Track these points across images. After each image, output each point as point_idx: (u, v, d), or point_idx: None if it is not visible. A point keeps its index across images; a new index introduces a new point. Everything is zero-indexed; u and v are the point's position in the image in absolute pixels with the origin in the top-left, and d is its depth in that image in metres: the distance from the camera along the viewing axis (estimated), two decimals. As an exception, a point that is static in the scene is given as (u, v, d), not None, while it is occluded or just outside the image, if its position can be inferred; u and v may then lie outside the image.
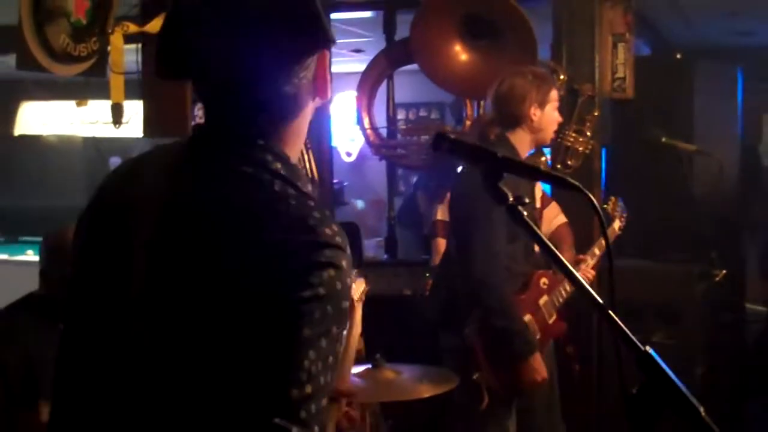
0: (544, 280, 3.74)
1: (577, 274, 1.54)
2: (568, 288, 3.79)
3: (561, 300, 3.74)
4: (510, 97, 3.64)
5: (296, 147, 1.53)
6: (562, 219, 4.26)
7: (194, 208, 1.38)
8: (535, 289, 3.69)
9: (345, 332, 1.36)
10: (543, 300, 3.70)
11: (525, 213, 1.53)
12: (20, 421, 2.80)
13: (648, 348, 1.47)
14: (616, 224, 4.21)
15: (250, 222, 1.33)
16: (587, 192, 1.51)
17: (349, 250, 1.37)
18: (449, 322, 3.70)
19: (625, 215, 4.25)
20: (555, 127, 3.77)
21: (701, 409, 1.42)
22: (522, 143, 3.66)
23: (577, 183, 1.54)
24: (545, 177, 1.55)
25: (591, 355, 4.61)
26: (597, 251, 3.98)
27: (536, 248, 3.83)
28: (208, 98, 1.49)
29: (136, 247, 1.41)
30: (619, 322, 1.49)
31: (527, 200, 1.52)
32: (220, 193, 1.37)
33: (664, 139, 4.81)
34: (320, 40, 1.47)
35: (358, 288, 2.50)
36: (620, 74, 5.07)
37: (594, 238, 4.21)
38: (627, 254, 5.37)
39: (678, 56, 5.74)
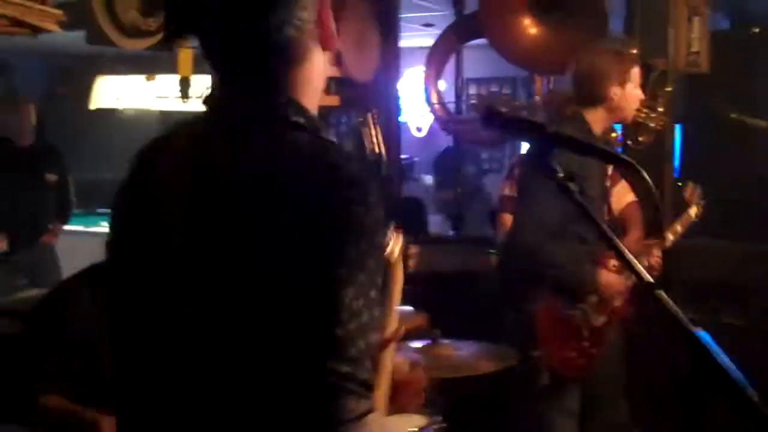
0: (613, 262, 3.68)
1: (628, 254, 1.50)
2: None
3: (630, 282, 3.67)
4: (590, 76, 3.57)
5: (311, 96, 1.51)
6: (631, 197, 4.18)
7: (227, 178, 1.39)
8: (605, 269, 3.63)
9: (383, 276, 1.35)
10: (612, 263, 3.64)
11: (576, 190, 1.50)
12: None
13: (699, 329, 1.43)
14: (693, 210, 4.10)
15: (282, 178, 1.35)
16: (640, 169, 1.48)
17: (374, 186, 1.37)
18: (513, 299, 3.67)
19: (702, 202, 4.15)
20: (636, 105, 3.66)
21: (755, 397, 1.37)
22: (597, 121, 3.57)
23: (630, 160, 1.51)
24: (597, 153, 1.51)
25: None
26: (671, 237, 3.90)
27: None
28: (217, 56, 1.49)
29: (175, 218, 1.43)
30: (670, 301, 1.45)
31: (575, 178, 1.49)
32: (251, 158, 1.38)
33: (734, 115, 4.67)
34: None
35: (396, 245, 2.47)
36: (695, 48, 4.94)
37: (665, 212, 4.12)
38: (700, 233, 5.26)
39: (756, 30, 5.56)
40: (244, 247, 1.35)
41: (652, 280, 1.47)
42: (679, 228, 3.97)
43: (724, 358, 1.41)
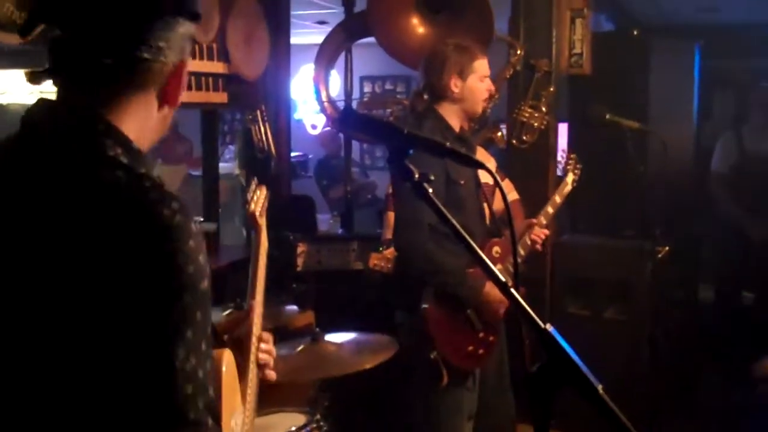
0: (496, 248, 3.74)
1: (484, 257, 1.54)
2: (522, 253, 3.81)
3: (512, 268, 3.74)
4: (431, 67, 3.63)
5: (144, 129, 1.44)
6: (514, 195, 4.26)
7: (29, 220, 1.30)
8: (488, 258, 3.68)
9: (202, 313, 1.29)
10: (496, 269, 3.68)
11: (431, 190, 1.52)
12: None
13: (548, 326, 1.47)
14: (570, 177, 4.17)
15: (90, 225, 1.26)
16: (490, 170, 1.51)
17: (193, 224, 1.32)
18: (404, 299, 3.69)
19: (579, 167, 4.22)
20: (482, 98, 3.67)
21: (599, 387, 1.42)
22: (450, 114, 3.62)
23: (482, 163, 1.54)
24: (450, 154, 1.53)
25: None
26: (550, 210, 3.98)
27: (487, 219, 3.84)
28: (56, 63, 1.41)
29: None
30: (521, 300, 1.49)
31: (432, 177, 1.51)
32: (55, 199, 1.30)
33: (608, 116, 4.81)
34: (169, 4, 1.42)
35: (260, 199, 2.46)
36: (577, 50, 5.07)
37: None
38: (580, 230, 5.42)
39: (635, 32, 5.73)
40: (49, 303, 1.25)
41: (504, 280, 1.51)
42: (558, 198, 4.05)
43: (571, 352, 1.45)
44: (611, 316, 4.98)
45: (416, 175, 1.52)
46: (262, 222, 2.43)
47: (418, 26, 4.78)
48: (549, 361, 1.46)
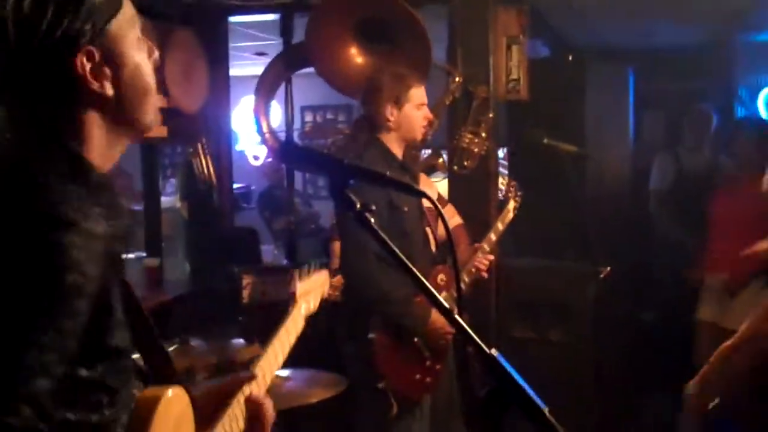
0: (441, 276, 3.77)
1: (429, 286, 1.55)
2: (467, 280, 3.83)
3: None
4: (368, 97, 3.67)
5: (96, 140, 1.46)
6: (457, 221, 4.29)
7: None
8: (433, 286, 3.69)
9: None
10: (442, 296, 3.70)
11: (372, 220, 1.53)
12: None
13: (494, 351, 1.49)
14: (511, 205, 4.22)
15: None
16: (432, 199, 1.53)
17: (86, 224, 1.33)
18: (351, 329, 3.69)
19: (520, 194, 4.26)
20: (420, 125, 3.70)
21: (545, 410, 1.44)
22: (392, 142, 3.66)
23: (424, 192, 1.55)
24: (391, 183, 1.55)
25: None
26: (493, 237, 4.02)
27: (433, 245, 3.86)
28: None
29: None
30: (466, 327, 1.50)
31: (374, 207, 1.52)
32: None
33: (545, 141, 4.88)
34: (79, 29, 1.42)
35: (311, 282, 2.43)
36: (514, 76, 5.13)
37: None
38: (522, 253, 5.47)
39: (570, 58, 5.84)
40: None
41: (448, 307, 1.52)
42: (500, 225, 4.10)
43: (517, 377, 1.47)
44: (555, 338, 5.03)
45: (358, 206, 1.52)
46: (300, 302, 2.39)
47: (356, 56, 4.81)
48: (496, 386, 1.47)
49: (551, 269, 5.18)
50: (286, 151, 1.55)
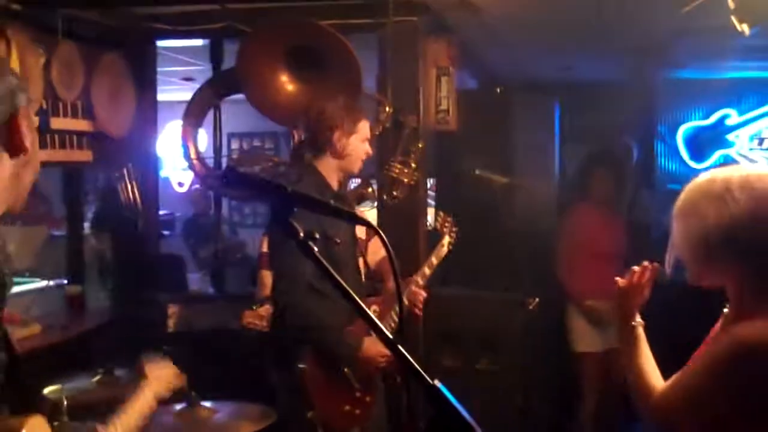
0: (374, 307, 3.76)
1: (371, 313, 1.54)
2: (398, 311, 3.82)
3: (393, 326, 3.75)
4: (316, 122, 3.66)
5: None
6: (383, 253, 4.28)
7: None
8: None
9: None
10: None
11: (316, 248, 1.52)
12: None
13: (436, 381, 1.48)
14: (446, 240, 4.24)
15: None
16: (376, 228, 1.53)
17: None
18: (281, 358, 3.65)
19: (455, 230, 4.30)
20: (361, 158, 3.73)
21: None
22: (329, 171, 3.66)
23: (368, 221, 1.55)
24: (334, 212, 1.54)
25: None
26: (427, 271, 4.03)
27: (363, 276, 3.85)
28: None
29: None
30: (408, 356, 1.50)
31: (317, 236, 1.51)
32: None
33: (477, 171, 4.93)
34: None
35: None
36: (444, 107, 5.19)
37: (419, 264, 4.26)
38: (450, 283, 5.49)
39: (498, 90, 5.93)
40: None
41: (391, 337, 1.51)
42: (434, 260, 4.11)
43: (459, 407, 1.46)
44: (483, 367, 5.05)
45: (301, 234, 1.51)
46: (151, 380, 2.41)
47: (287, 83, 4.80)
48: (437, 416, 1.47)
49: (479, 299, 5.21)
50: (229, 178, 1.52)
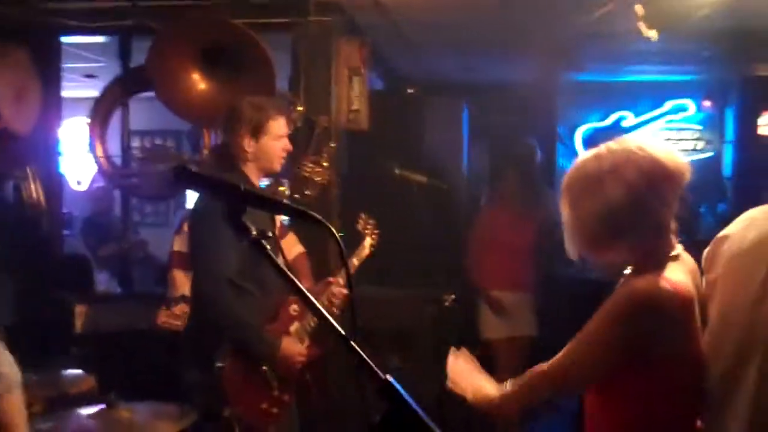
0: (294, 306, 3.74)
1: (318, 304, 1.56)
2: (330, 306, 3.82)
3: (312, 325, 3.75)
4: (226, 126, 3.64)
5: None
6: (299, 249, 4.27)
7: None
8: (285, 316, 3.69)
9: None
10: (294, 327, 3.70)
11: (269, 247, 1.53)
12: None
13: (389, 377, 1.51)
14: (367, 241, 4.26)
15: None
16: (329, 225, 1.54)
17: None
18: (198, 356, 3.61)
19: (377, 232, 4.32)
20: (278, 157, 3.67)
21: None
22: (251, 172, 3.63)
23: (319, 216, 1.56)
24: (289, 210, 1.55)
25: (326, 382, 4.66)
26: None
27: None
28: None
29: None
30: (361, 352, 1.52)
31: (270, 234, 1.52)
32: None
33: (397, 171, 4.98)
34: None
35: None
36: (356, 107, 5.21)
37: (331, 264, 4.27)
38: (364, 282, 5.53)
39: (409, 91, 5.99)
40: None
41: (344, 333, 1.53)
42: (355, 261, 4.12)
43: (411, 402, 1.49)
44: (396, 364, 5.09)
45: (254, 232, 1.52)
46: None
47: (199, 82, 4.76)
48: (390, 411, 1.49)
49: (393, 297, 5.26)
50: (180, 176, 1.52)
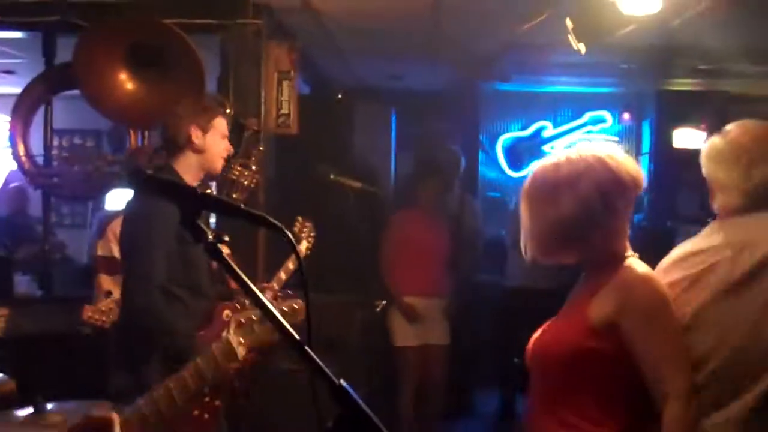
0: (227, 312, 3.69)
1: (274, 309, 1.56)
2: (254, 318, 3.78)
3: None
4: (173, 121, 3.59)
5: None
6: (224, 250, 4.23)
7: None
8: (218, 322, 3.65)
9: None
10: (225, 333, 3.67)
11: (225, 251, 1.52)
12: None
13: (342, 381, 1.52)
14: (303, 245, 4.25)
15: None
16: (287, 232, 1.54)
17: None
18: (128, 361, 3.55)
19: (313, 235, 4.31)
20: (222, 155, 3.65)
21: (391, 436, 1.49)
22: (187, 170, 3.57)
23: (278, 223, 1.56)
24: (244, 215, 1.54)
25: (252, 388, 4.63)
26: (283, 276, 4.02)
27: (227, 281, 3.81)
28: None
29: None
30: (315, 356, 1.52)
31: (226, 238, 1.51)
32: None
33: (332, 176, 4.99)
34: None
35: None
36: (285, 110, 5.20)
37: (257, 266, 4.23)
38: (294, 286, 5.51)
39: (339, 96, 6.01)
40: None
41: (297, 337, 1.53)
42: (291, 265, 4.10)
43: (363, 405, 1.51)
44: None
45: (210, 236, 1.51)
46: None
47: (126, 81, 4.69)
48: (343, 415, 1.50)
49: (322, 302, 5.25)
50: (135, 179, 1.51)
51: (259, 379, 4.68)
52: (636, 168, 2.35)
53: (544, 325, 2.50)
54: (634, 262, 2.33)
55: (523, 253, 2.40)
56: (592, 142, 2.47)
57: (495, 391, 6.85)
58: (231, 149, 3.73)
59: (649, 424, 2.28)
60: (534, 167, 2.44)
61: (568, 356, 2.31)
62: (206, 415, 3.56)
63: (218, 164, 3.65)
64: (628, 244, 2.39)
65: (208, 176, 3.76)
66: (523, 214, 2.38)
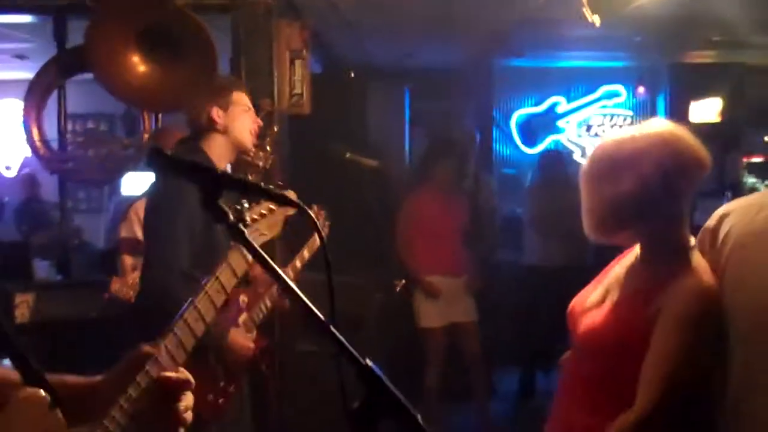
0: (243, 297, 3.70)
1: (300, 292, 1.53)
2: (268, 304, 3.78)
3: (261, 316, 3.71)
4: (191, 106, 3.56)
5: None
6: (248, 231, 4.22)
7: None
8: (235, 306, 3.64)
9: None
10: (243, 317, 3.66)
11: (246, 232, 1.50)
12: None
13: (368, 361, 1.50)
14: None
15: None
16: (308, 209, 1.51)
17: None
18: (145, 341, 3.53)
19: (327, 224, 4.29)
20: (249, 128, 3.59)
21: (419, 417, 1.47)
22: (216, 151, 3.53)
23: (299, 202, 1.53)
24: (265, 194, 1.52)
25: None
26: (298, 264, 4.00)
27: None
28: None
29: None
30: (342, 338, 1.50)
31: (248, 219, 1.49)
32: None
33: (348, 155, 4.95)
34: None
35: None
36: (297, 90, 5.16)
37: (274, 250, 4.20)
38: (313, 269, 5.49)
39: (352, 75, 5.96)
40: None
41: (324, 318, 1.51)
42: (306, 253, 4.07)
43: (391, 386, 1.49)
44: (310, 348, 5.03)
45: (231, 217, 1.48)
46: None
47: (139, 64, 4.65)
48: (369, 396, 1.48)
49: (340, 283, 5.23)
50: (154, 160, 1.48)
51: (286, 361, 4.67)
52: (701, 148, 2.26)
53: (592, 306, 2.41)
54: (700, 265, 2.21)
55: (585, 230, 2.35)
56: (659, 120, 2.39)
57: (515, 370, 6.84)
58: (259, 121, 3.68)
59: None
60: (599, 143, 2.39)
61: (633, 344, 2.21)
62: (221, 400, 3.56)
63: (247, 139, 3.59)
64: (688, 233, 2.29)
65: (241, 151, 3.72)
66: (582, 190, 2.34)
